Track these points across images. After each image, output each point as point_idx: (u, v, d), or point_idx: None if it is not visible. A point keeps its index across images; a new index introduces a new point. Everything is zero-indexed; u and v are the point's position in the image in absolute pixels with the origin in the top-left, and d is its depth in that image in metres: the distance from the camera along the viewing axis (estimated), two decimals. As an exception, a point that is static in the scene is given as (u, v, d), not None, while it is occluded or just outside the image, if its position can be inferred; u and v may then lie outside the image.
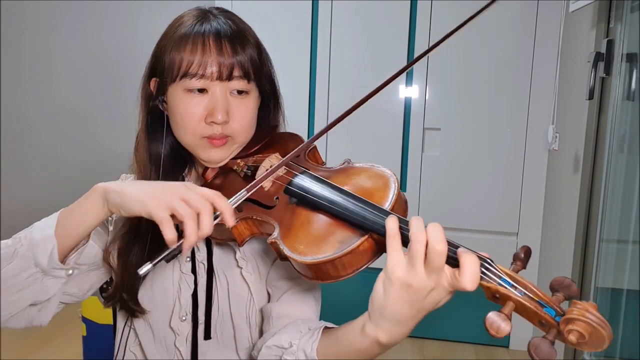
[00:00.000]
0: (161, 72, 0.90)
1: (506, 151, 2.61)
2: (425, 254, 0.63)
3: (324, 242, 0.73)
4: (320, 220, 0.76)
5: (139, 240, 0.92)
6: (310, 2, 2.64)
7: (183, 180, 0.99)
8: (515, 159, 2.61)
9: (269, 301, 0.95)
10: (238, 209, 0.83)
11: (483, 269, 0.63)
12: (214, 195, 0.74)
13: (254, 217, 0.82)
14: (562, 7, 2.39)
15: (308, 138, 0.98)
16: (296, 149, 0.84)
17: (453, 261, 0.63)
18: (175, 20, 0.93)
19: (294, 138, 0.97)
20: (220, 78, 0.86)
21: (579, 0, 2.19)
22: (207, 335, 0.94)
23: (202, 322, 0.94)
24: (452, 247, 0.64)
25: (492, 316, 0.61)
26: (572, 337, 0.58)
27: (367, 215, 0.71)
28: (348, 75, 2.66)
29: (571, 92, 2.30)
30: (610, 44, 1.91)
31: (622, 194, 1.92)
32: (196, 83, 0.86)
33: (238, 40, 0.87)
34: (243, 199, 0.77)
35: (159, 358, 0.97)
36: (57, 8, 3.00)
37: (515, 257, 0.66)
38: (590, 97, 1.95)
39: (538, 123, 2.55)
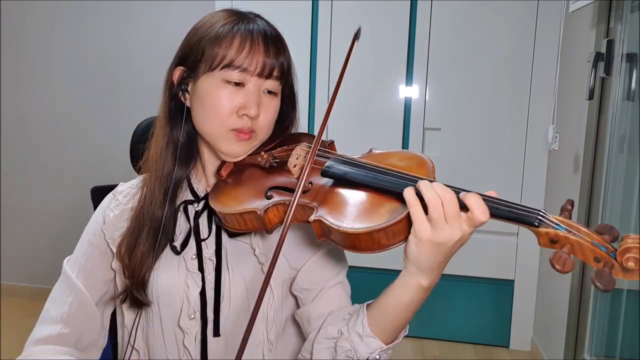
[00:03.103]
0: (194, 61, 0.91)
1: (506, 151, 2.61)
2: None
3: (372, 214, 0.77)
4: (363, 196, 0.81)
5: (145, 230, 0.94)
6: (310, 2, 2.64)
7: (188, 176, 0.99)
8: (515, 159, 2.61)
9: (297, 305, 0.98)
10: (267, 197, 0.87)
11: (540, 218, 0.71)
12: None
13: (286, 203, 0.84)
14: (562, 7, 2.39)
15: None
16: (320, 131, 0.87)
17: (462, 206, 0.73)
18: (208, 17, 0.94)
19: (307, 135, 1.01)
20: (260, 75, 0.90)
21: (579, 0, 2.19)
22: (217, 333, 0.94)
23: (211, 320, 0.94)
24: (457, 194, 0.73)
25: (557, 252, 0.69)
26: (631, 264, 0.66)
27: (413, 185, 0.76)
28: (348, 75, 2.65)
29: (571, 92, 2.30)
30: (610, 44, 1.91)
31: (622, 194, 1.92)
32: (237, 75, 0.89)
33: (281, 44, 0.94)
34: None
35: (165, 358, 0.97)
36: (57, 8, 3.00)
37: (563, 209, 0.73)
38: (590, 97, 1.95)
39: (538, 123, 2.55)
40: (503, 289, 2.71)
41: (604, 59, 1.92)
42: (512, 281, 2.69)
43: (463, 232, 0.73)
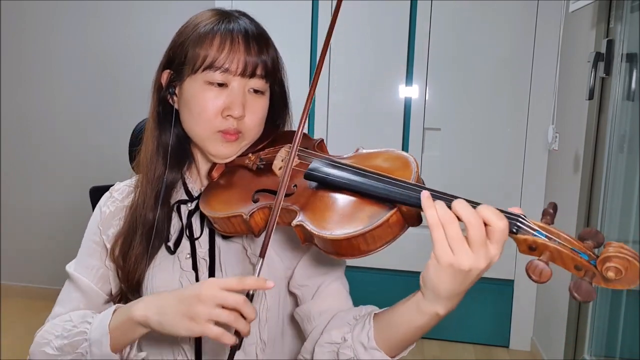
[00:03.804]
0: (179, 64, 0.91)
1: (506, 151, 2.61)
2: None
3: (353, 218, 0.75)
4: (345, 200, 0.79)
5: (138, 233, 0.94)
6: (310, 2, 2.64)
7: (183, 177, 0.99)
8: (515, 159, 2.61)
9: (297, 303, 0.97)
10: (253, 200, 0.85)
11: (518, 224, 0.67)
12: (240, 283, 0.77)
13: (271, 206, 0.83)
14: (562, 7, 2.39)
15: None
16: (299, 131, 0.84)
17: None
18: (194, 18, 0.94)
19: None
20: (243, 74, 0.89)
21: (579, 0, 2.19)
22: None
23: None
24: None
25: (534, 261, 0.65)
26: (611, 274, 0.61)
27: (394, 189, 0.74)
28: (348, 75, 2.66)
29: (571, 92, 2.30)
30: (610, 44, 1.91)
31: (622, 194, 1.92)
32: (218, 76, 0.88)
33: (263, 41, 0.91)
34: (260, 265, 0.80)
35: (160, 358, 0.97)
36: (57, 8, 3.00)
37: (545, 213, 0.69)
38: (590, 97, 1.95)
39: (538, 123, 2.55)
40: (503, 289, 2.71)
41: (604, 59, 1.92)
42: (512, 281, 2.69)
43: (490, 259, 0.68)
